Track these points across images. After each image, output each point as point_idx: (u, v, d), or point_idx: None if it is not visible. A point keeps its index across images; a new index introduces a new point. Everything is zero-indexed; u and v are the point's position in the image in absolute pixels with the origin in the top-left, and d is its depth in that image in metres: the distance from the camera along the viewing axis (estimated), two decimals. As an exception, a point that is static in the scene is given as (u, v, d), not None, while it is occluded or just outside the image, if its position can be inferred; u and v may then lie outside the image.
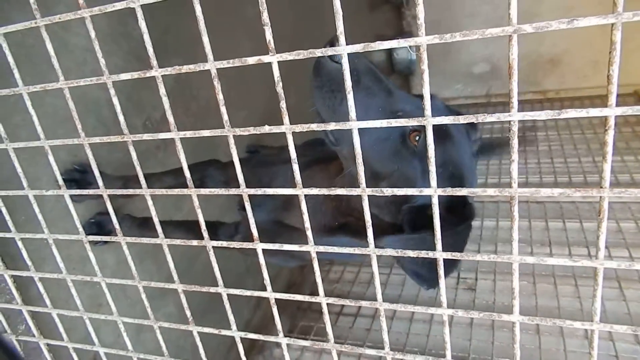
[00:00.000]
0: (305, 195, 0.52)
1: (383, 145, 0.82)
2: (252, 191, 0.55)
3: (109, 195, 0.66)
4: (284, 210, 1.07)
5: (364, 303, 0.59)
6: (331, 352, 0.63)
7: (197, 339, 0.70)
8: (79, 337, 0.86)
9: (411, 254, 0.53)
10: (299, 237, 1.05)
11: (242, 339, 0.68)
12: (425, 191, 0.47)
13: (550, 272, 1.99)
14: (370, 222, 0.52)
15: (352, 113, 0.47)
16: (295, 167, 0.51)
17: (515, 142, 0.42)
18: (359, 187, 0.49)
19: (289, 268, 2.25)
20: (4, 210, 0.79)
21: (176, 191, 0.60)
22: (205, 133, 0.54)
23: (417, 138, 0.81)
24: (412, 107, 0.83)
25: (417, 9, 0.41)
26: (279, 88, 0.48)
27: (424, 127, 0.77)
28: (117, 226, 0.68)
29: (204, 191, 0.58)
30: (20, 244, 0.80)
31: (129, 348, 0.77)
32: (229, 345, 1.70)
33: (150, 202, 0.63)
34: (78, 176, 1.20)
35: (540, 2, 2.85)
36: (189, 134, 0.55)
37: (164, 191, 0.61)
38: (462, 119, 0.42)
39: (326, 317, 0.62)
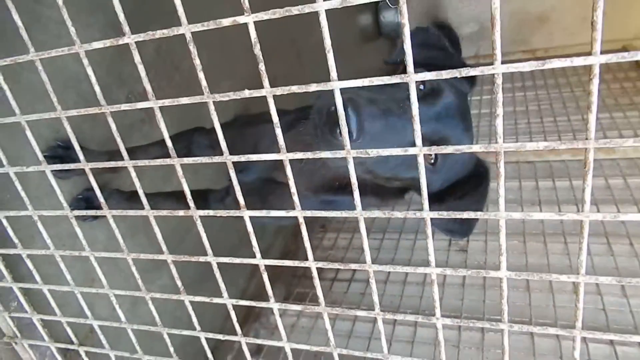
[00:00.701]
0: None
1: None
2: (236, 158, 0.54)
3: (94, 170, 0.65)
4: (275, 168, 1.05)
5: (353, 266, 0.60)
6: (323, 315, 0.64)
7: (190, 309, 0.70)
8: (73, 312, 0.86)
9: (399, 215, 0.53)
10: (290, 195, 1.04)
11: (237, 308, 0.69)
12: (410, 150, 0.46)
13: (540, 230, 2.01)
14: (358, 184, 0.51)
15: (333, 73, 0.45)
16: (278, 132, 0.50)
17: (500, 96, 0.41)
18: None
19: (283, 235, 2.27)
20: (-14, 190, 0.77)
21: (159, 161, 0.59)
22: (184, 100, 0.53)
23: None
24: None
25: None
26: (257, 50, 0.46)
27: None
28: (102, 200, 0.67)
29: (187, 160, 0.57)
30: (5, 222, 0.79)
31: (123, 320, 0.78)
32: (225, 315, 1.72)
33: (133, 174, 0.62)
34: (62, 152, 1.18)
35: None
36: (167, 102, 0.53)
37: (146, 162, 0.60)
38: (445, 74, 0.41)
39: (316, 281, 0.62)
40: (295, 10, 0.43)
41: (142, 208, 0.68)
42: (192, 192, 0.61)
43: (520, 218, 0.48)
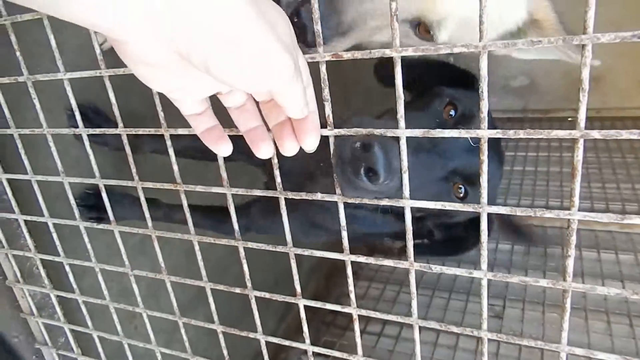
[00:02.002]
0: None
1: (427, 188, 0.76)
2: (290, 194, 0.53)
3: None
4: (307, 179, 0.97)
5: (399, 318, 0.56)
6: (361, 369, 0.60)
7: (222, 343, 0.68)
8: (113, 347, 0.86)
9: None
10: (319, 208, 1.01)
11: (266, 349, 0.66)
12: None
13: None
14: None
15: (402, 122, 0.44)
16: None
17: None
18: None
19: (316, 278, 2.22)
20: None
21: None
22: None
23: (451, 114, 0.76)
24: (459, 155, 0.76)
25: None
26: (326, 92, 0.46)
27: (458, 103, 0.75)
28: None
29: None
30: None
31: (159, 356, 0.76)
32: (253, 356, 1.69)
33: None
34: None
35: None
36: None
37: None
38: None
39: (356, 329, 0.59)
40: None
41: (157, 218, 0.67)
42: (214, 207, 0.61)
43: (584, 290, 0.44)
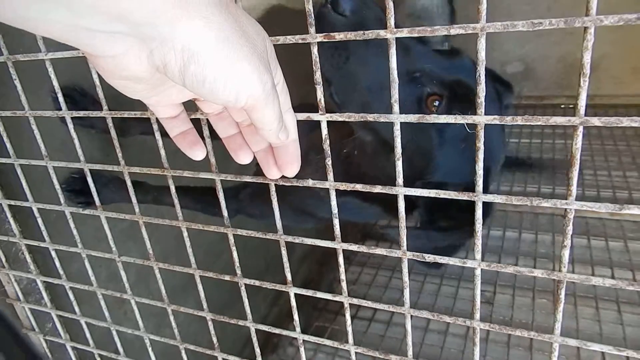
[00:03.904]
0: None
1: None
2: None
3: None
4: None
5: (390, 307, 0.56)
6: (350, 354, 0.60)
7: (212, 329, 0.68)
8: (101, 332, 0.85)
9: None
10: (309, 195, 1.00)
11: (255, 337, 0.65)
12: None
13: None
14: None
15: (396, 107, 0.43)
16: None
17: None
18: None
19: (308, 263, 2.22)
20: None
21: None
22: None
23: (435, 104, 0.73)
24: (433, 65, 0.74)
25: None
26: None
27: (444, 91, 0.71)
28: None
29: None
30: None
31: (147, 342, 0.75)
32: (244, 341, 1.69)
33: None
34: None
35: (581, 4, 2.74)
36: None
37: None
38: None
39: (347, 316, 0.59)
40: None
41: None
42: (204, 188, 0.60)
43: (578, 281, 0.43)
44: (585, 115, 0.37)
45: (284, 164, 0.47)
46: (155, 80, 0.37)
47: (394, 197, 0.46)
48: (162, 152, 0.58)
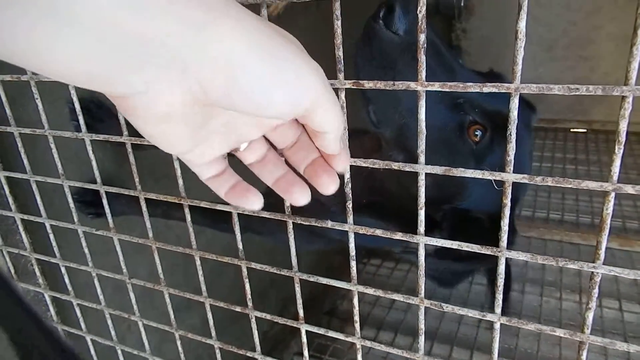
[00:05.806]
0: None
1: (436, 135, 0.68)
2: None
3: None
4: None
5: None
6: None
7: (218, 353, 0.67)
8: (104, 345, 0.84)
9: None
10: (323, 213, 0.97)
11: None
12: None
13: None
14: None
15: (422, 158, 0.42)
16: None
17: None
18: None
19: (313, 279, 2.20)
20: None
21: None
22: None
23: (476, 134, 0.69)
24: (476, 93, 0.73)
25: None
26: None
27: (487, 122, 0.70)
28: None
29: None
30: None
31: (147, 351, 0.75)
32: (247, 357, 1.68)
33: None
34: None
35: (598, 29, 2.73)
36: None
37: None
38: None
39: (359, 357, 0.58)
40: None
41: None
42: (213, 210, 0.58)
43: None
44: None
45: (336, 163, 0.40)
46: (191, 115, 0.32)
47: (414, 222, 0.46)
48: (180, 181, 0.58)
